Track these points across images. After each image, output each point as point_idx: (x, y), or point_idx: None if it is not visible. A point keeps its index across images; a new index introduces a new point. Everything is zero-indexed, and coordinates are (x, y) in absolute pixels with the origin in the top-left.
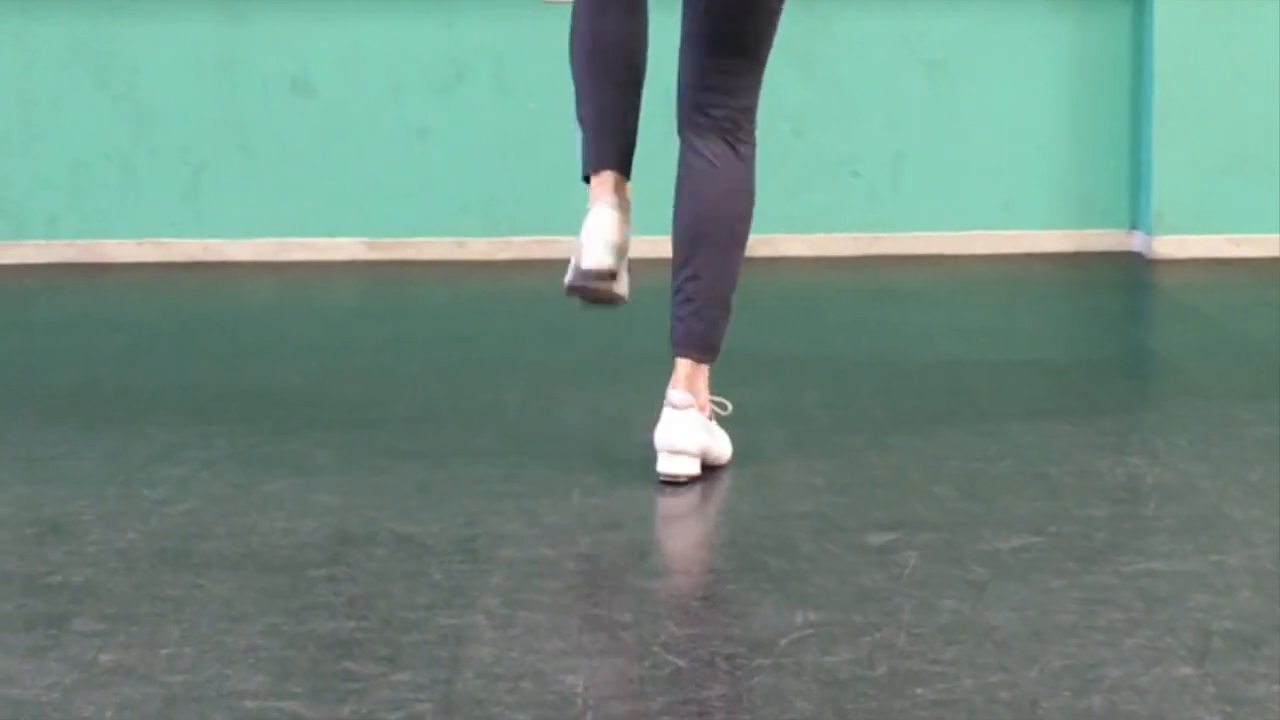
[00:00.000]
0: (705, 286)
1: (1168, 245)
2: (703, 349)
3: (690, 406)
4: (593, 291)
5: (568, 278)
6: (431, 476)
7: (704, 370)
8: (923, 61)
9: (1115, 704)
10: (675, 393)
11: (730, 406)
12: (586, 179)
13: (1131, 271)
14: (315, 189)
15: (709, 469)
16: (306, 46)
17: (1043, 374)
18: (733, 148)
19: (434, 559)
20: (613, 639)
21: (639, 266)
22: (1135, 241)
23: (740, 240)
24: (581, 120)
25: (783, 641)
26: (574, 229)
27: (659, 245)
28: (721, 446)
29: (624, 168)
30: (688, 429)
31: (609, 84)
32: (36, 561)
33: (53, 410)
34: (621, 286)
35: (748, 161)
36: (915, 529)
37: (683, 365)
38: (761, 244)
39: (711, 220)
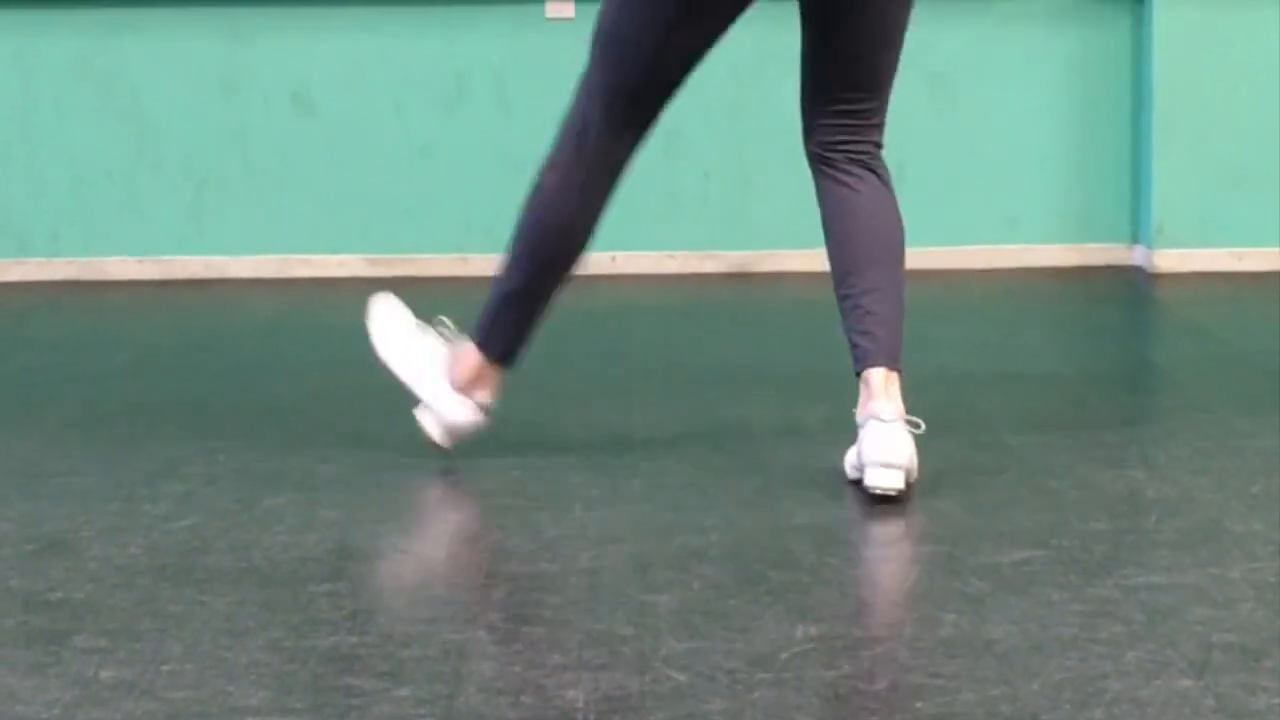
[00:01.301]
0: (886, 299)
1: (1169, 259)
2: (893, 358)
3: (898, 419)
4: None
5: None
6: (433, 491)
7: (897, 379)
8: (925, 75)
9: (1116, 717)
10: (880, 404)
11: (923, 425)
12: (480, 347)
13: (1133, 285)
14: (317, 206)
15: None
16: (308, 63)
17: (1044, 387)
18: (875, 173)
19: (436, 574)
20: (614, 653)
21: (641, 281)
22: (1136, 255)
23: (903, 256)
24: (511, 295)
25: (784, 655)
26: None
27: (662, 261)
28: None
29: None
30: (902, 441)
31: (561, 278)
32: (37, 578)
33: (54, 427)
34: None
35: (890, 182)
36: (917, 542)
37: (877, 375)
38: (763, 258)
39: (884, 235)
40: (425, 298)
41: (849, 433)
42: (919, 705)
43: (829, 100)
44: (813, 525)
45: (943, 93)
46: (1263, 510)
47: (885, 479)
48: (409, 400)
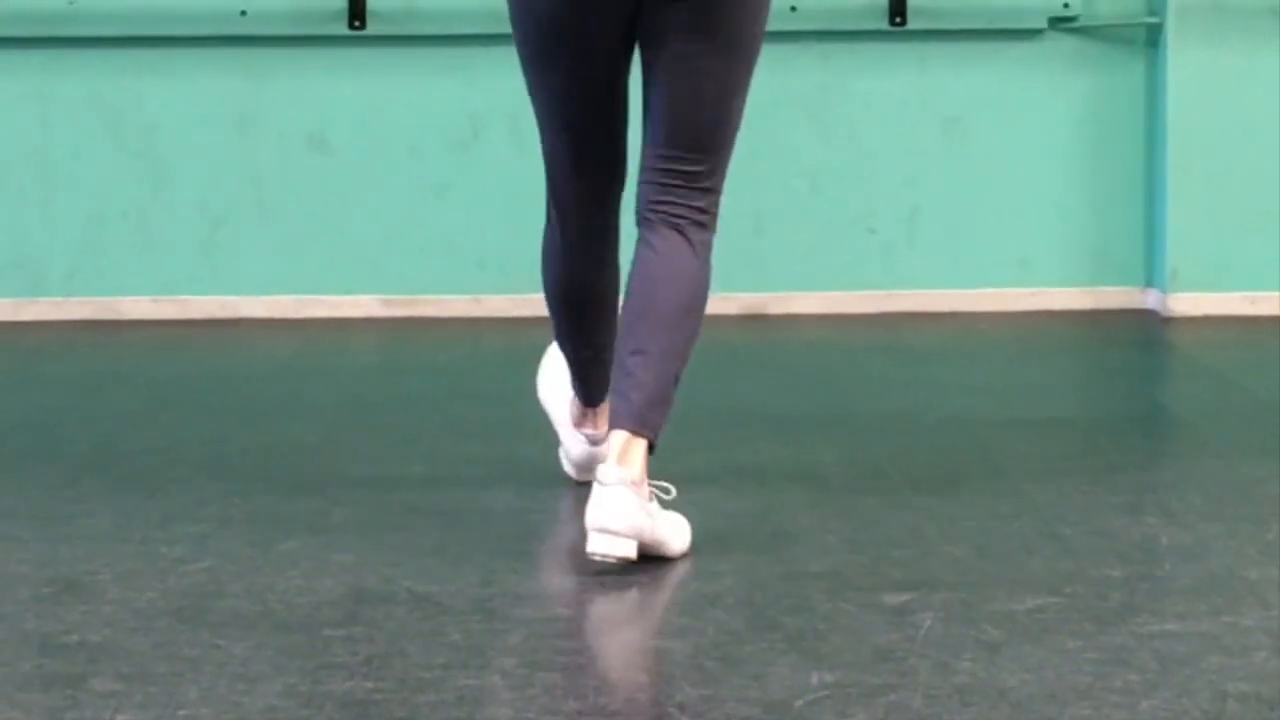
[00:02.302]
0: (649, 362)
1: (1183, 303)
2: (640, 422)
3: (620, 484)
4: None
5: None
6: (449, 535)
7: (641, 446)
8: (938, 118)
9: None
10: (606, 468)
11: (673, 491)
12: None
13: (1146, 329)
14: (332, 246)
15: (653, 558)
16: (324, 104)
17: (1058, 432)
18: (686, 238)
19: (451, 619)
20: (629, 700)
21: None
22: (1150, 299)
23: (690, 330)
24: (561, 342)
25: (798, 703)
26: None
27: None
28: (668, 533)
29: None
30: (620, 507)
31: (590, 320)
32: (53, 621)
33: (69, 468)
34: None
35: (705, 250)
36: (931, 589)
37: (617, 439)
38: (776, 301)
39: (661, 302)
40: (440, 338)
41: (866, 477)
42: None
43: (659, 159)
44: (827, 571)
45: (956, 136)
46: (1277, 557)
47: (598, 545)
48: (423, 442)
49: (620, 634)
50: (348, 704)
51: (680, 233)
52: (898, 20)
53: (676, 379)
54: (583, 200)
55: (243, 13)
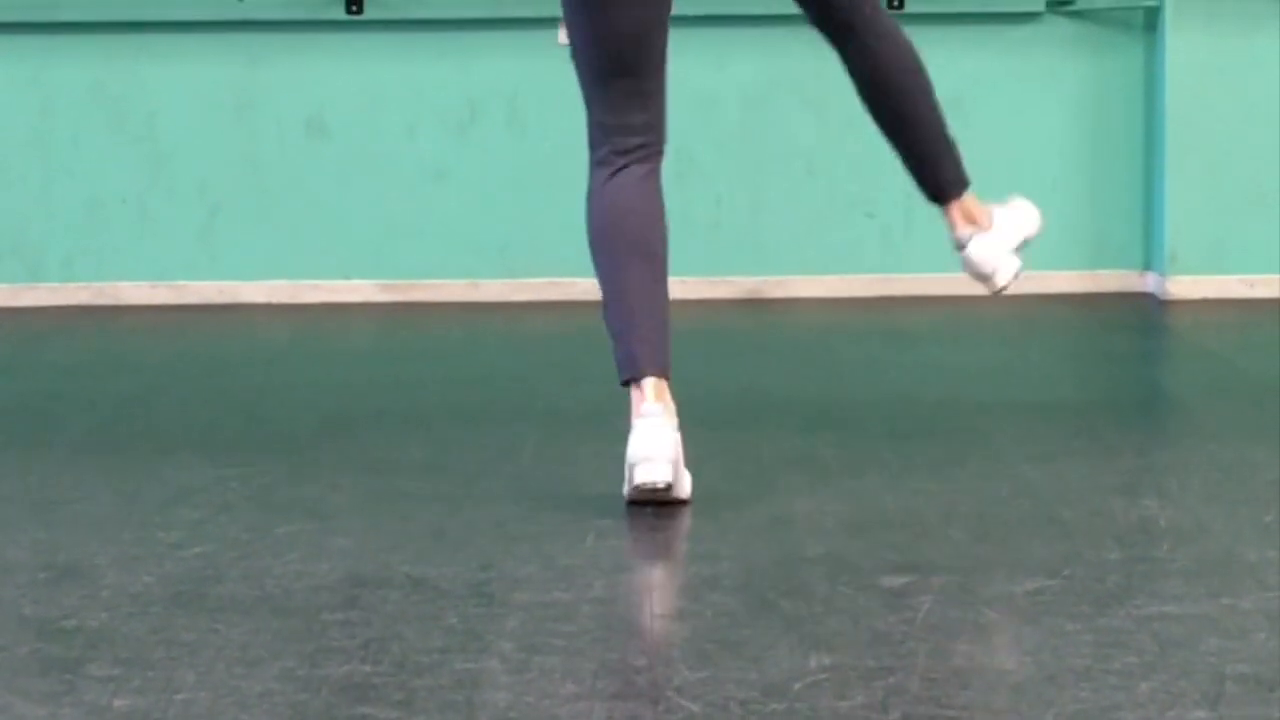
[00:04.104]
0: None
1: (1181, 286)
2: (667, 364)
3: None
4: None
5: (625, 490)
6: (446, 519)
7: (666, 386)
8: None
9: None
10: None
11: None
12: (625, 384)
13: (1145, 312)
14: (330, 231)
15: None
16: (321, 88)
17: (1056, 415)
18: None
19: (449, 602)
20: (627, 683)
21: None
22: (1148, 282)
23: (932, 89)
24: (608, 321)
25: (796, 685)
26: (588, 270)
27: (673, 286)
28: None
29: (663, 368)
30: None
31: (629, 259)
32: (51, 606)
33: (67, 453)
34: (682, 489)
35: (897, 24)
36: (929, 572)
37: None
38: (774, 285)
39: (911, 95)
40: (438, 323)
41: (863, 460)
42: None
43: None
44: (825, 554)
45: (955, 119)
46: (1276, 539)
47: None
48: (420, 427)
49: (618, 617)
50: (345, 688)
51: (881, 28)
52: (896, 3)
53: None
54: (619, 141)
55: None
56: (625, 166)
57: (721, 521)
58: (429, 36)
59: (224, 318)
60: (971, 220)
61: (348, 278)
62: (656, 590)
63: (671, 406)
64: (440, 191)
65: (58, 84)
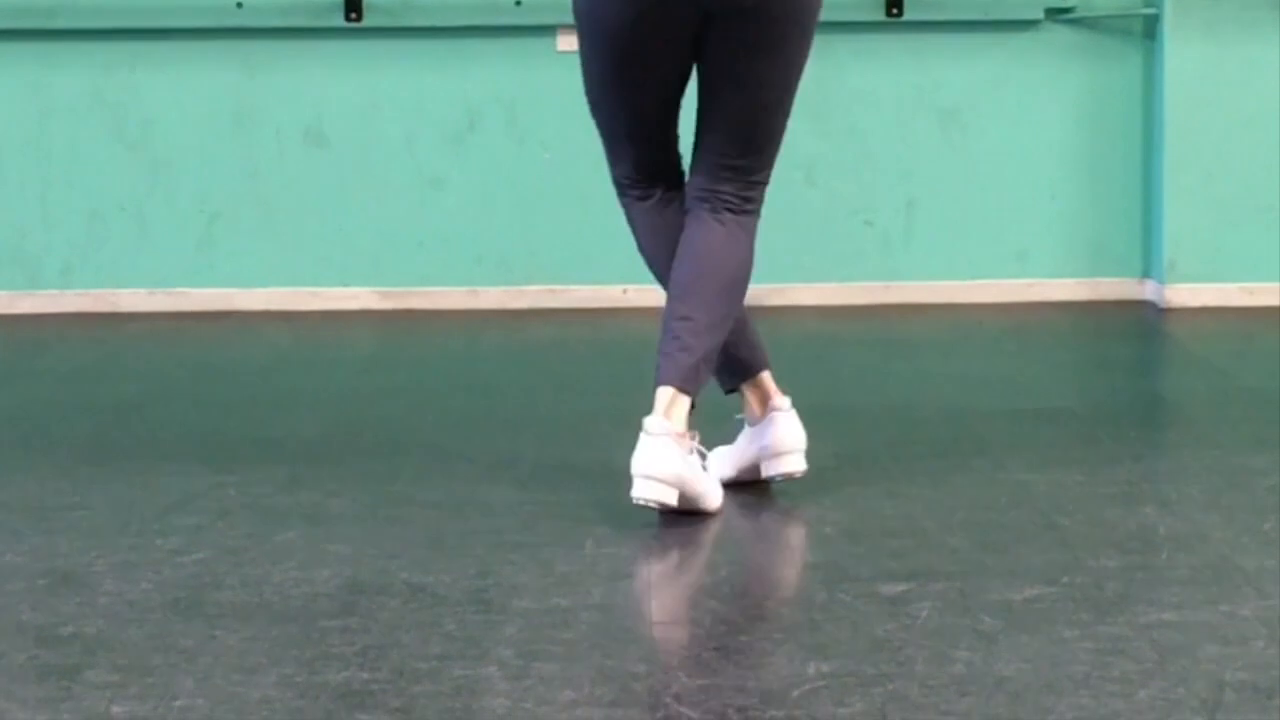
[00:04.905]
0: (696, 329)
1: (1180, 294)
2: (686, 380)
3: (666, 435)
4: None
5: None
6: (444, 526)
7: (685, 402)
8: (936, 111)
9: None
10: (651, 420)
11: (708, 455)
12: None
13: (1144, 320)
14: (328, 239)
15: (693, 513)
16: (320, 97)
17: (1055, 423)
18: (737, 220)
19: (447, 609)
20: (625, 690)
21: (652, 315)
22: (1147, 290)
23: (734, 303)
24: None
25: (795, 693)
26: (587, 278)
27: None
28: (707, 489)
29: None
30: (665, 456)
31: (668, 278)
32: (49, 612)
33: (65, 460)
34: (709, 500)
35: (750, 230)
36: (928, 579)
37: (664, 394)
38: (773, 293)
39: (709, 276)
40: (437, 330)
41: (863, 468)
42: None
43: (714, 156)
44: (824, 562)
45: (954, 128)
46: (1274, 547)
47: (643, 490)
48: (419, 434)
49: (616, 625)
50: (344, 694)
51: (732, 212)
52: (894, 11)
53: (717, 346)
54: (643, 190)
55: (239, 5)
56: (658, 197)
57: (720, 529)
58: (428, 44)
59: (222, 325)
60: (673, 418)
61: (346, 285)
62: (655, 597)
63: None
64: (439, 199)
65: (57, 91)
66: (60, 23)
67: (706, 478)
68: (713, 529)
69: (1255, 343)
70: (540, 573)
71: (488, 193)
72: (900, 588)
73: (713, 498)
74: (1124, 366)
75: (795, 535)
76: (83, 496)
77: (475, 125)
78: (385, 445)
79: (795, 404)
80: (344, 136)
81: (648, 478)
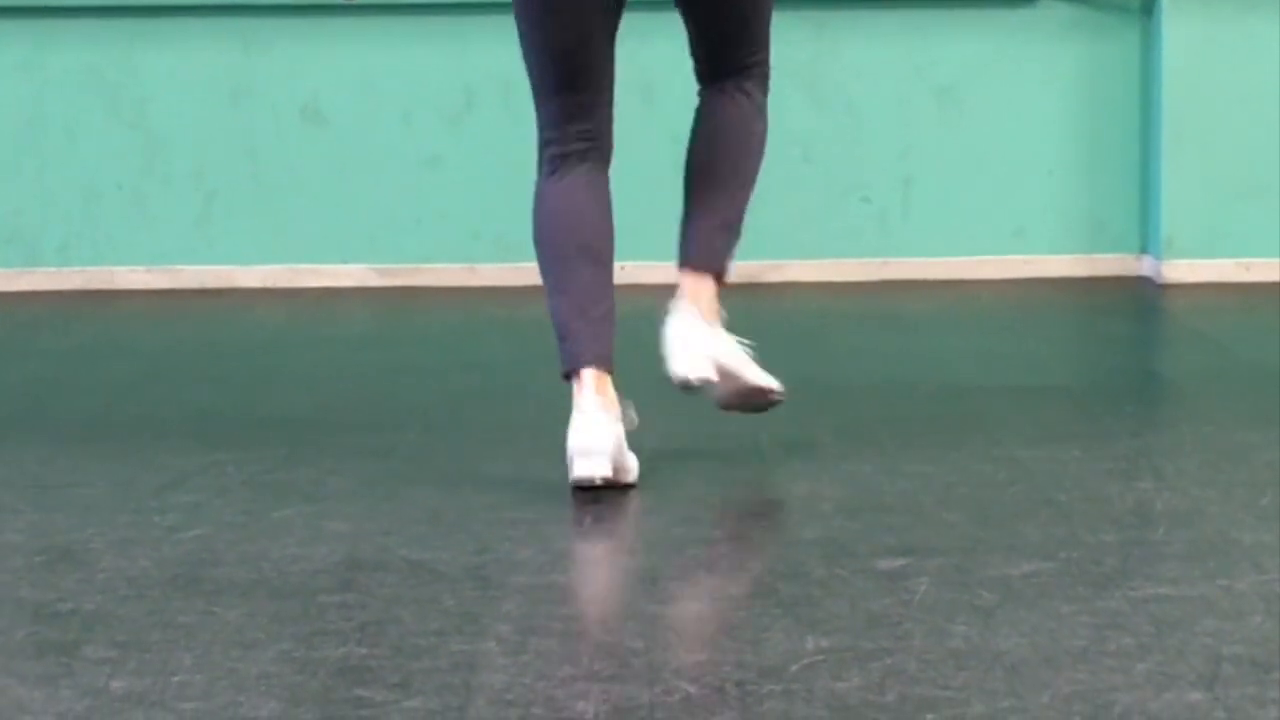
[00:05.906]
0: (715, 207)
1: (1177, 270)
2: (711, 259)
3: (691, 315)
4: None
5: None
6: (443, 503)
7: (709, 285)
8: (933, 87)
9: None
10: (676, 303)
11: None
12: (566, 377)
13: (1141, 296)
14: (326, 216)
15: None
16: (317, 74)
17: (1052, 399)
18: (748, 95)
19: (445, 585)
20: (623, 665)
21: (651, 291)
22: (1145, 266)
23: (751, 178)
24: (552, 316)
25: (793, 667)
26: None
27: (671, 272)
28: (742, 361)
29: (604, 360)
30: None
31: (578, 259)
32: (47, 589)
33: (63, 437)
34: (625, 474)
35: (761, 108)
36: (926, 554)
37: (688, 280)
38: (771, 270)
39: (723, 153)
40: (434, 307)
41: (860, 444)
42: (929, 717)
43: (708, 56)
44: (822, 538)
45: (951, 105)
46: (1271, 522)
47: (683, 366)
48: (417, 410)
49: (615, 600)
50: (342, 670)
51: (742, 92)
52: None
53: (740, 219)
54: (567, 144)
55: None
56: (571, 170)
57: (719, 505)
58: (425, 22)
59: (220, 303)
60: (696, 302)
61: (344, 262)
62: (653, 573)
63: (613, 398)
64: (436, 176)
65: (52, 69)
66: (57, 0)
67: (743, 354)
68: (710, 505)
69: (1253, 318)
70: (539, 549)
71: (485, 170)
72: (898, 563)
73: (751, 371)
74: (1121, 342)
75: (793, 511)
76: (81, 474)
77: (473, 103)
78: (383, 422)
79: (792, 380)
80: (342, 114)
81: (683, 349)
